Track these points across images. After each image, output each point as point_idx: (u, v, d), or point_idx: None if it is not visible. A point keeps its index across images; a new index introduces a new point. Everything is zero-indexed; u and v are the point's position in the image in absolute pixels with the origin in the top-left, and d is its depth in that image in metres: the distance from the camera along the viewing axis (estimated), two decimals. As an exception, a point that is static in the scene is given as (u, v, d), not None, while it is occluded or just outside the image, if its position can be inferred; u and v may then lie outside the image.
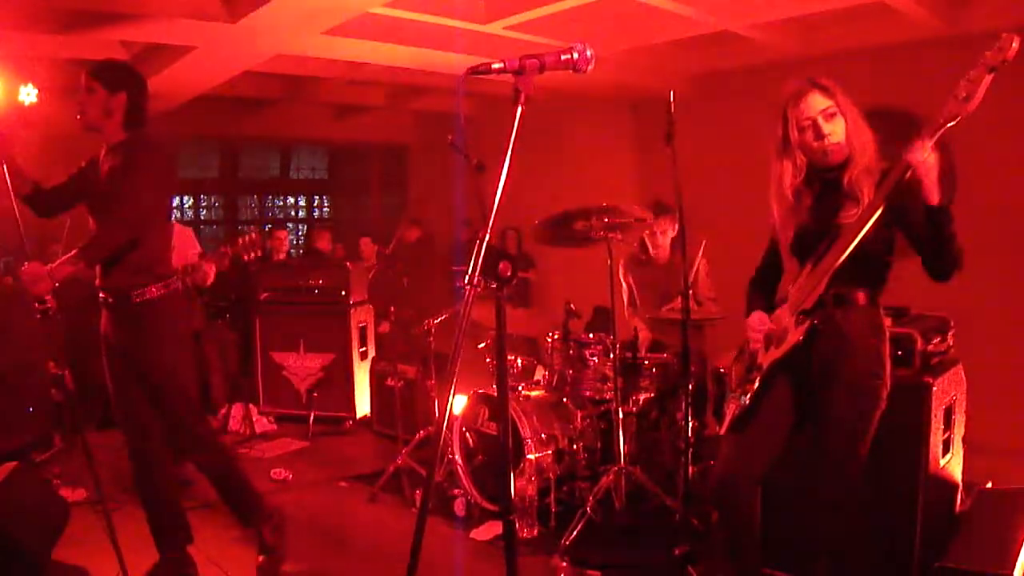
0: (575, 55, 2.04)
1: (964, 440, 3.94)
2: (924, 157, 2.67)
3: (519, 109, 1.98)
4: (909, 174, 2.71)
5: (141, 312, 3.71)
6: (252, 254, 4.75)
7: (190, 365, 4.03)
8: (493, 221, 1.91)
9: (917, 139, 2.68)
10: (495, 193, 1.96)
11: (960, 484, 3.97)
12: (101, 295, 3.78)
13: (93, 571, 4.05)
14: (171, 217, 4.01)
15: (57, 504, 4.35)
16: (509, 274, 1.92)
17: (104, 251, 3.63)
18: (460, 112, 2.10)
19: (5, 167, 3.60)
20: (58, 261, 3.46)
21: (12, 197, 3.68)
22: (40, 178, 3.81)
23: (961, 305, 3.97)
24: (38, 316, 3.46)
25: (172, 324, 3.82)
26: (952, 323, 3.91)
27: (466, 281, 1.89)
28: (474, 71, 1.96)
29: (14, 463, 4.16)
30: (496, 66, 1.98)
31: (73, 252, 3.50)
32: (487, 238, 1.90)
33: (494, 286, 1.95)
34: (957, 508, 3.95)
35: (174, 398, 3.82)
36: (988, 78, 2.59)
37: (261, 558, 4.02)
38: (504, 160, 1.96)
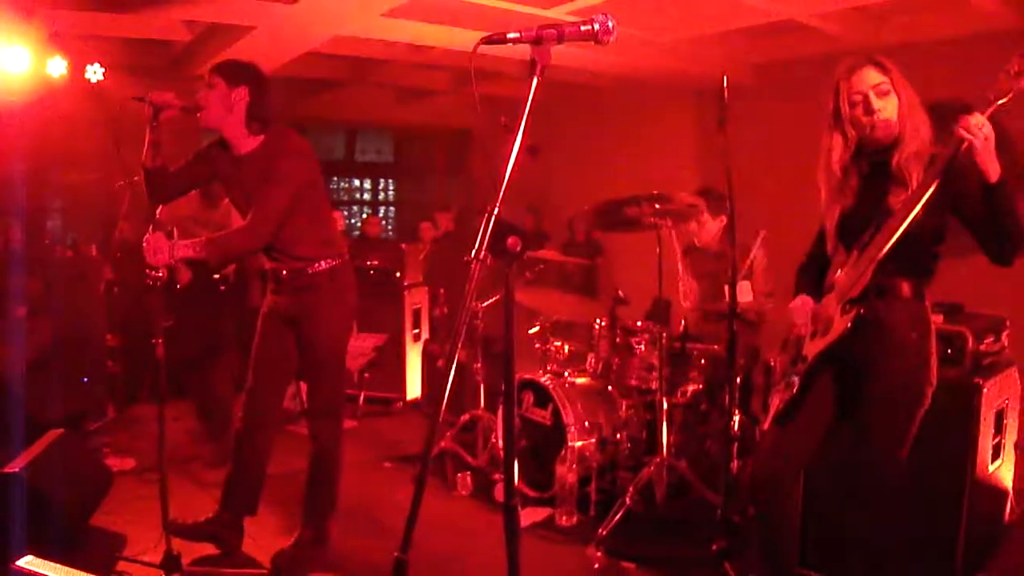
0: (596, 26, 1.96)
1: (1016, 446, 3.78)
2: (978, 129, 2.54)
3: (535, 80, 1.90)
4: (964, 148, 2.58)
5: (315, 283, 3.89)
6: None
7: (348, 337, 4.24)
8: (503, 194, 1.85)
9: (973, 114, 2.55)
10: (507, 167, 1.90)
11: (1010, 492, 3.81)
12: (272, 269, 3.95)
13: (133, 538, 4.12)
14: (327, 200, 4.14)
15: (100, 472, 4.44)
16: (518, 249, 1.86)
17: (229, 252, 3.93)
18: (475, 92, 2.01)
19: (156, 134, 3.72)
20: (183, 242, 3.58)
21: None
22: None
23: (1020, 305, 3.81)
24: (148, 283, 3.55)
25: (342, 292, 3.99)
26: (1008, 323, 3.75)
27: (472, 256, 1.83)
28: (487, 41, 1.89)
29: (59, 430, 4.24)
30: (512, 35, 1.91)
31: (201, 239, 3.63)
32: (496, 211, 1.84)
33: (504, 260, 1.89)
34: (1006, 517, 3.80)
35: (332, 364, 4.05)
36: None
37: (288, 548, 4.00)
38: (517, 133, 1.89)
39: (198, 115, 3.72)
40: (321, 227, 3.96)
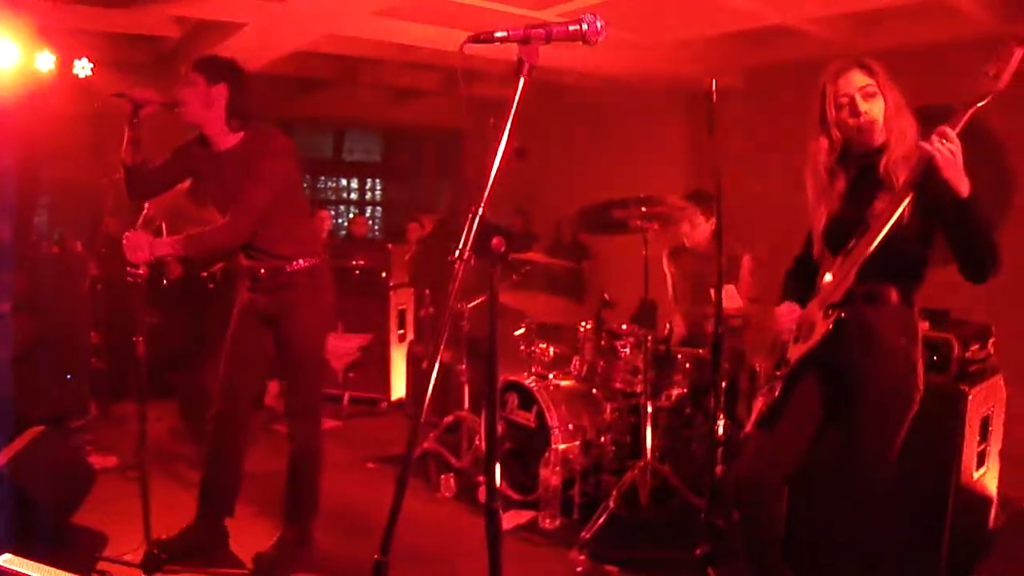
0: (584, 26, 1.94)
1: (1001, 454, 3.78)
2: (939, 146, 2.53)
3: (521, 80, 1.89)
4: (928, 164, 2.57)
5: (293, 281, 3.86)
6: None
7: (327, 336, 4.20)
8: (488, 195, 1.84)
9: (939, 127, 2.55)
10: (493, 166, 1.89)
11: (995, 499, 3.82)
12: (249, 267, 3.93)
13: (115, 537, 4.07)
14: (305, 198, 4.16)
15: (82, 469, 4.41)
16: (503, 250, 1.86)
17: (209, 249, 3.93)
18: (463, 92, 1.98)
19: (135, 131, 3.72)
20: (162, 239, 3.64)
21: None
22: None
23: (1006, 312, 3.81)
24: (128, 279, 3.57)
25: (320, 292, 3.97)
26: (994, 330, 3.75)
27: (456, 256, 1.82)
28: (475, 39, 1.89)
29: (40, 427, 4.21)
30: (499, 34, 1.90)
31: (179, 236, 3.67)
32: (480, 212, 1.83)
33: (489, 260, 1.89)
34: (991, 524, 3.81)
35: (311, 363, 4.01)
36: (1018, 53, 2.46)
37: (270, 549, 3.95)
38: (504, 133, 1.88)
39: (178, 111, 3.71)
40: (300, 226, 3.97)
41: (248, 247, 3.83)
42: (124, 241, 3.52)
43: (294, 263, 3.85)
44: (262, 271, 3.88)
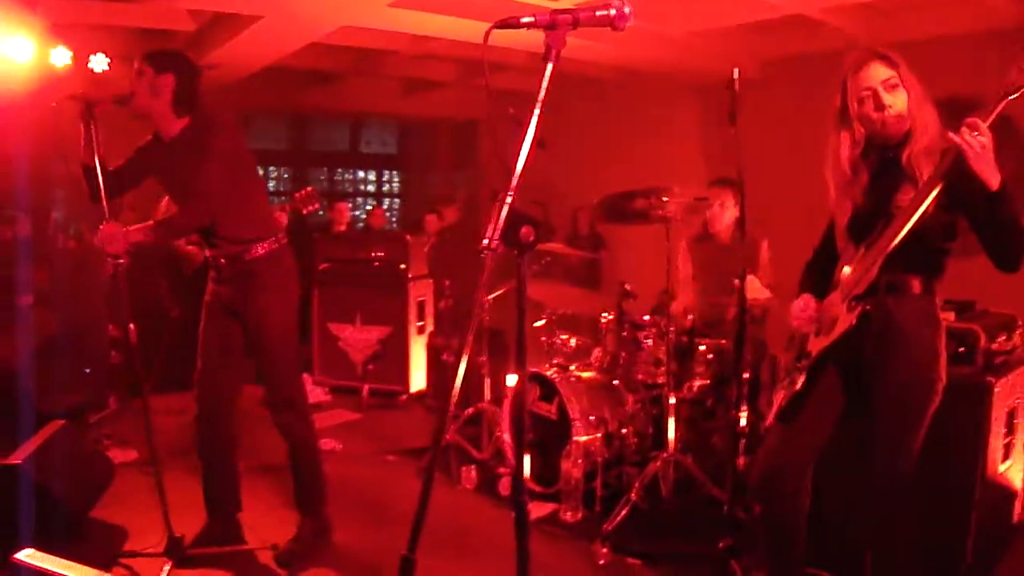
0: (612, 11, 1.90)
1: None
2: (969, 138, 2.46)
3: (550, 66, 1.85)
4: (957, 156, 2.50)
5: (253, 269, 3.83)
6: (311, 207, 4.75)
7: (296, 323, 4.13)
8: (516, 182, 1.81)
9: (968, 118, 2.48)
10: (519, 155, 1.85)
11: (1019, 493, 3.77)
12: (211, 257, 3.92)
13: (134, 531, 4.09)
14: (261, 180, 4.09)
15: (101, 464, 4.42)
16: (532, 239, 1.82)
17: (177, 233, 4.20)
18: (487, 81, 1.95)
19: (92, 131, 3.67)
20: (134, 227, 3.64)
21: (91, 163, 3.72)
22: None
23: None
24: (111, 271, 3.65)
25: (283, 278, 3.95)
26: (1021, 321, 3.69)
27: (485, 245, 1.78)
28: (502, 24, 1.85)
29: (60, 422, 4.21)
30: (526, 20, 1.86)
31: (150, 223, 3.71)
32: (509, 200, 1.80)
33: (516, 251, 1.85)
34: (1015, 518, 3.76)
35: (282, 353, 3.95)
36: None
37: (290, 543, 3.96)
38: (531, 120, 1.84)
39: (132, 103, 3.72)
40: (256, 209, 3.95)
41: (210, 234, 3.82)
42: (99, 234, 3.55)
43: (253, 249, 3.83)
44: (222, 260, 3.87)
